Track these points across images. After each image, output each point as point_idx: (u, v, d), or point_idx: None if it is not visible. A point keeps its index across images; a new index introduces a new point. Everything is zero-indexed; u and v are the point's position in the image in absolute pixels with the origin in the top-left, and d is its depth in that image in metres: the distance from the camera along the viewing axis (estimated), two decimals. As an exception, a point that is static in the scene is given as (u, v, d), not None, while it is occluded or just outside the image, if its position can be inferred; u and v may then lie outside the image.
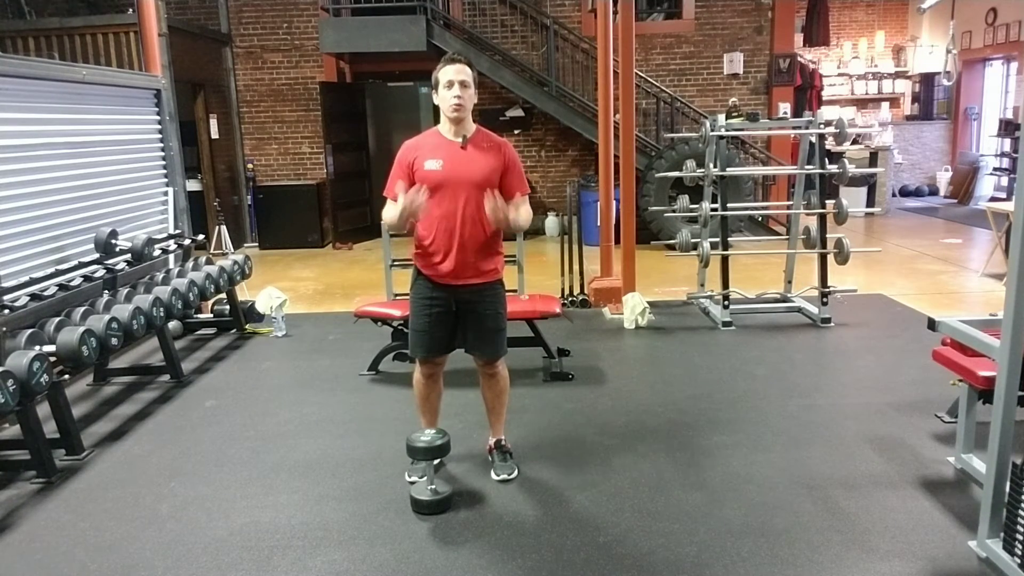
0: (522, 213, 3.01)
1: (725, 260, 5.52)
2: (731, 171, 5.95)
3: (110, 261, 4.52)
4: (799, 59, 10.29)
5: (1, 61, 4.11)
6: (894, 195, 11.80)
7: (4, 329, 3.54)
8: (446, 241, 2.93)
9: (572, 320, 5.50)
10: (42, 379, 3.28)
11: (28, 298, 3.81)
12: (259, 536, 2.83)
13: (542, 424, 3.80)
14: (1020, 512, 2.36)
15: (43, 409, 3.55)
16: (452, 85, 2.87)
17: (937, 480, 3.12)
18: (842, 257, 5.40)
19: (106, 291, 4.43)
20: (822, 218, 5.54)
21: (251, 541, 2.79)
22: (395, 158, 3.02)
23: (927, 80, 12.36)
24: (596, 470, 3.28)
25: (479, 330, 3.06)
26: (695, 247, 5.69)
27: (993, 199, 10.23)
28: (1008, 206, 6.40)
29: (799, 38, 10.72)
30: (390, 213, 2.96)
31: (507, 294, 3.19)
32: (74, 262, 4.36)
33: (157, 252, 5.01)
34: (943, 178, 12.33)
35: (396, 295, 4.98)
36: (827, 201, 5.56)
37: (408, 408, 3.60)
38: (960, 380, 3.12)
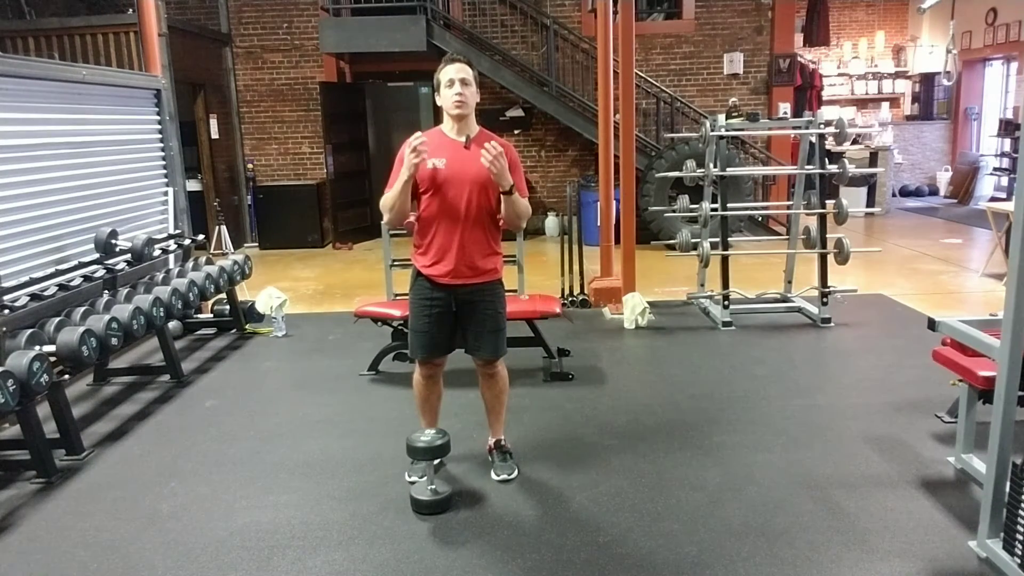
0: (522, 205, 2.98)
1: (725, 260, 5.52)
2: (731, 171, 5.95)
3: (110, 261, 4.52)
4: (799, 59, 10.29)
5: (1, 61, 4.11)
6: (894, 195, 11.79)
7: (4, 329, 3.54)
8: (446, 240, 2.93)
9: (572, 320, 5.50)
10: (42, 379, 3.28)
11: (28, 298, 3.80)
12: (259, 536, 2.83)
13: (542, 424, 3.80)
14: (1020, 512, 2.36)
15: (43, 409, 3.55)
16: (453, 83, 2.88)
17: (937, 480, 3.12)
18: (842, 257, 5.40)
19: (106, 291, 4.43)
20: (822, 218, 5.54)
21: (251, 541, 2.79)
22: (397, 155, 3.00)
23: (927, 80, 12.37)
24: (596, 470, 3.28)
25: (478, 330, 3.06)
26: (695, 247, 5.69)
27: (993, 199, 10.22)
28: (1008, 206, 6.39)
29: (799, 38, 10.71)
30: (388, 195, 2.91)
31: (507, 294, 3.20)
32: (74, 262, 4.36)
33: (157, 252, 5.01)
34: (943, 178, 12.33)
35: (396, 295, 4.97)
36: (827, 201, 5.56)
37: (408, 408, 3.60)
38: (960, 380, 3.12)
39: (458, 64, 2.91)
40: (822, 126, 5.47)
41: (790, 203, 6.11)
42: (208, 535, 2.84)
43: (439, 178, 2.90)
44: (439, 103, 2.97)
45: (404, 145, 2.98)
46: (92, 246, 4.55)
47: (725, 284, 5.49)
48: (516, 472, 3.24)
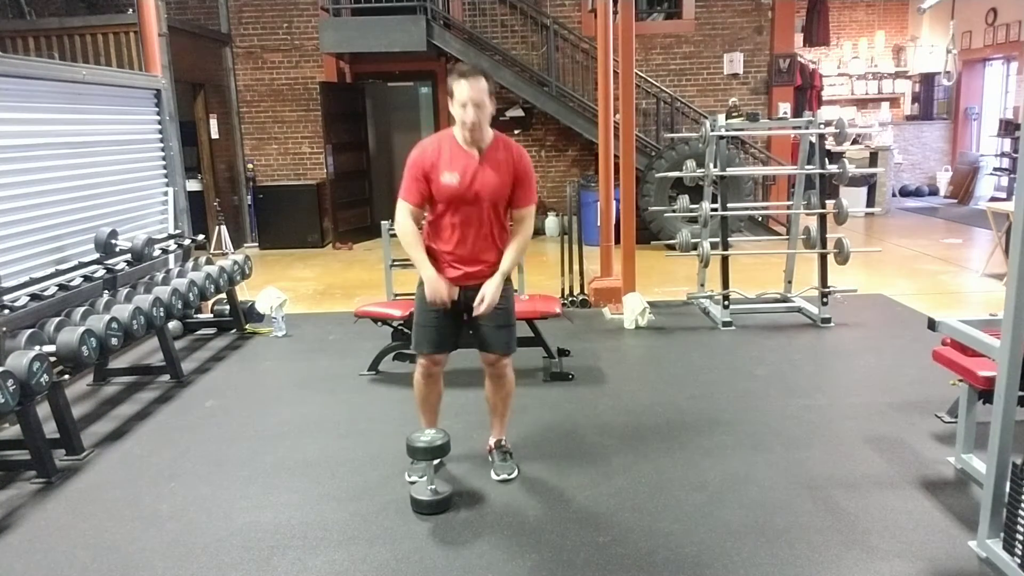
0: (520, 240, 3.04)
1: (725, 260, 5.52)
2: (731, 171, 5.94)
3: (110, 261, 4.52)
4: (799, 59, 10.29)
5: (1, 61, 4.11)
6: (894, 195, 11.79)
7: (4, 329, 3.54)
8: (456, 249, 2.97)
9: (572, 320, 5.50)
10: (42, 379, 3.28)
11: (28, 298, 3.80)
12: (259, 536, 2.83)
13: (542, 424, 3.80)
14: (1020, 512, 2.36)
15: (43, 409, 3.55)
16: (466, 106, 2.81)
17: (937, 480, 3.12)
18: (842, 257, 5.40)
19: (106, 291, 4.43)
20: (822, 218, 5.53)
21: (251, 541, 2.79)
22: (409, 158, 2.97)
23: (927, 80, 12.37)
24: (596, 470, 3.28)
25: (487, 327, 3.05)
26: (695, 247, 5.68)
27: (993, 199, 10.23)
28: (1008, 206, 6.39)
29: (799, 38, 10.72)
30: (406, 233, 2.96)
31: (510, 294, 3.20)
32: (74, 262, 4.36)
33: (157, 252, 5.01)
34: (943, 178, 12.33)
35: (396, 295, 4.98)
36: (827, 201, 5.56)
37: (408, 408, 3.59)
38: (960, 380, 3.12)
39: (474, 82, 2.80)
40: (822, 126, 5.47)
41: (790, 203, 6.11)
42: (208, 535, 2.84)
43: (451, 192, 2.89)
44: (451, 111, 2.90)
45: (413, 154, 2.96)
46: (92, 246, 4.55)
47: (725, 284, 5.49)
48: (516, 472, 3.24)
